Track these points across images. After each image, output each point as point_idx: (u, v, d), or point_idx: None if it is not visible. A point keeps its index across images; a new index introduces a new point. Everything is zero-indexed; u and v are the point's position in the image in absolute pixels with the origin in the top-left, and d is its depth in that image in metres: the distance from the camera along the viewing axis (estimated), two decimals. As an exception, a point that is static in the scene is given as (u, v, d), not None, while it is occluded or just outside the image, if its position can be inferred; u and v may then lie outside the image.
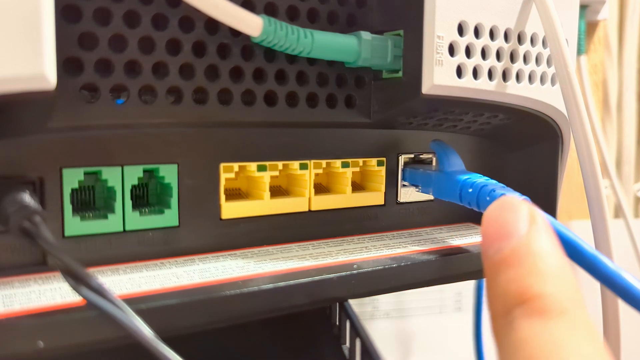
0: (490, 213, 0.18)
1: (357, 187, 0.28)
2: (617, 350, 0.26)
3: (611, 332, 0.26)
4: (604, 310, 0.26)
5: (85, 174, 0.20)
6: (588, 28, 0.61)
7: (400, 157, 0.28)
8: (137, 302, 0.18)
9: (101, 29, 0.19)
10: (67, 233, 0.20)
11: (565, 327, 0.15)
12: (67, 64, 0.19)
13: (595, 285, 0.21)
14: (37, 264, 0.20)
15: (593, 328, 0.15)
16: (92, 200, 0.22)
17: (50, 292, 0.18)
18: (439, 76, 0.23)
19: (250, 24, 0.21)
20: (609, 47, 0.64)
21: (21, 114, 0.18)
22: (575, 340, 0.14)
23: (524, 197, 0.22)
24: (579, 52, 0.59)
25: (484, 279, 0.17)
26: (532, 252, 0.16)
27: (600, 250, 0.24)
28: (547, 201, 0.29)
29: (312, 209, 0.26)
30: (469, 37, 0.24)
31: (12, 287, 0.19)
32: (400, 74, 0.24)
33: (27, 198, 0.18)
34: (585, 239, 0.20)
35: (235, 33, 0.22)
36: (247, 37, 0.22)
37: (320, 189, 0.27)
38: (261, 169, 0.24)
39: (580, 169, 0.25)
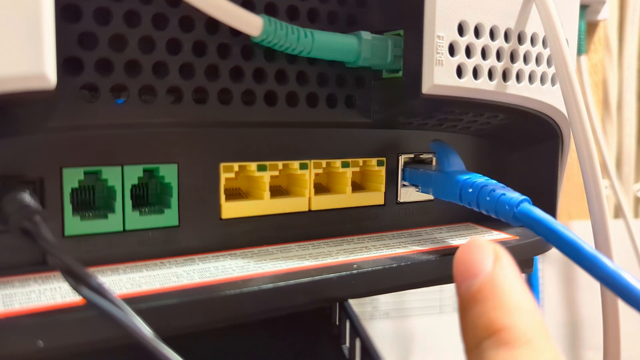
0: (459, 254, 0.19)
1: (357, 187, 0.28)
2: (617, 350, 0.26)
3: (611, 332, 0.26)
4: (604, 310, 0.26)
5: (86, 173, 0.20)
6: (588, 28, 0.61)
7: (400, 157, 0.28)
8: (137, 302, 0.18)
9: (101, 29, 0.19)
10: (67, 233, 0.20)
11: (531, 355, 0.16)
12: (67, 64, 0.19)
13: (595, 285, 0.21)
14: (37, 263, 0.20)
15: (557, 354, 0.17)
16: (92, 199, 0.22)
17: (50, 292, 0.18)
18: (439, 76, 0.23)
19: (251, 23, 0.21)
20: (609, 47, 0.64)
21: (21, 113, 0.18)
22: None
23: (524, 197, 0.22)
24: (579, 52, 0.59)
25: (458, 317, 0.19)
26: (497, 288, 0.18)
27: (600, 251, 0.24)
28: (547, 201, 0.29)
29: (312, 208, 0.26)
30: (469, 37, 0.24)
31: (12, 287, 0.19)
32: (400, 73, 0.24)
33: (27, 198, 0.18)
34: (585, 239, 0.20)
35: (236, 33, 0.22)
36: (247, 37, 0.22)
37: (320, 188, 0.27)
38: (261, 168, 0.24)
39: (580, 169, 0.25)
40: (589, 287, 0.63)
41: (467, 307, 0.18)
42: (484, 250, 0.19)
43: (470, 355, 0.17)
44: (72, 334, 0.17)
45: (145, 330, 0.15)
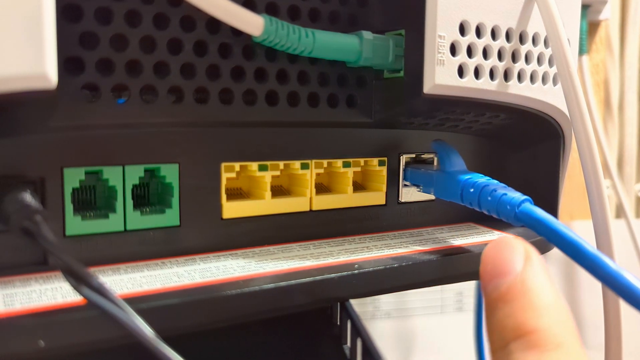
0: (488, 252, 0.19)
1: (358, 187, 0.28)
2: (619, 350, 0.26)
3: (613, 332, 0.26)
4: (605, 310, 0.26)
5: (87, 173, 0.20)
6: (590, 28, 0.61)
7: (401, 157, 0.28)
8: (138, 302, 0.18)
9: (102, 29, 0.19)
10: (68, 232, 0.20)
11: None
12: (68, 64, 0.19)
13: (596, 285, 0.21)
14: (38, 263, 0.20)
15: (585, 357, 0.16)
16: (93, 199, 0.22)
17: (51, 292, 0.18)
18: (441, 76, 0.23)
19: (252, 23, 0.21)
20: (610, 47, 0.64)
21: (22, 113, 0.18)
22: None
23: (525, 197, 0.22)
24: (581, 52, 0.59)
25: (484, 315, 0.18)
26: (527, 289, 0.17)
27: (601, 250, 0.24)
28: (548, 201, 0.29)
29: (314, 208, 0.26)
30: (471, 36, 0.24)
31: (13, 287, 0.19)
32: (401, 73, 0.24)
33: (28, 197, 0.18)
34: (586, 239, 0.20)
35: (237, 32, 0.22)
36: (248, 37, 0.22)
37: (322, 188, 0.27)
38: (262, 168, 0.24)
39: (582, 169, 0.25)
40: (591, 287, 0.63)
41: (495, 306, 0.18)
42: (515, 249, 0.18)
43: (496, 356, 0.17)
44: (73, 334, 0.17)
45: (146, 330, 0.15)
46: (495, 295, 0.18)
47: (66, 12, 0.19)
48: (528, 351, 0.16)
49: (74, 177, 0.20)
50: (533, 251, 0.18)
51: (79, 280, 0.16)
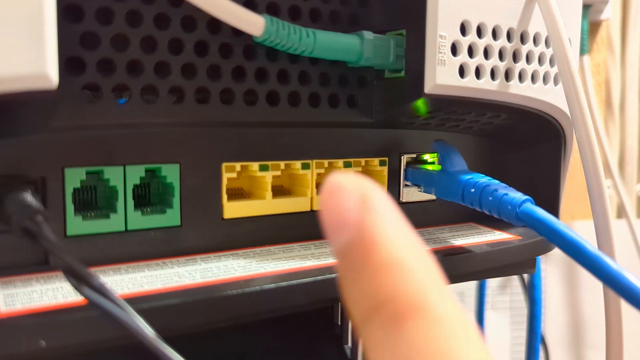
0: (322, 199, 0.15)
1: (359, 187, 0.28)
2: (620, 350, 0.26)
3: (614, 332, 0.26)
4: (606, 310, 0.26)
5: (88, 173, 0.20)
6: (591, 28, 0.61)
7: (402, 157, 0.28)
8: (138, 302, 0.18)
9: (103, 29, 0.19)
10: (69, 232, 0.20)
11: (423, 329, 0.12)
12: (69, 64, 0.19)
13: (597, 285, 0.21)
14: (39, 263, 0.20)
15: (459, 318, 0.13)
16: (94, 199, 0.22)
17: (52, 292, 0.18)
18: (442, 76, 0.23)
19: (253, 23, 0.21)
20: (611, 47, 0.64)
21: (24, 113, 0.18)
22: (440, 343, 0.12)
23: (526, 197, 0.22)
24: (582, 51, 0.59)
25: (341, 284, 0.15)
26: (370, 244, 0.13)
27: (602, 251, 0.24)
28: (549, 201, 0.29)
29: (315, 208, 0.26)
30: (472, 36, 0.24)
31: (14, 287, 0.19)
32: (402, 73, 0.24)
33: (29, 197, 0.18)
34: (587, 239, 0.20)
35: (238, 32, 0.22)
36: (249, 37, 0.22)
37: (323, 188, 0.27)
38: (263, 168, 0.24)
39: (583, 169, 0.25)
40: (592, 287, 0.63)
41: (344, 270, 0.14)
42: (348, 193, 0.14)
43: (360, 333, 0.14)
44: (74, 334, 0.17)
45: (147, 330, 0.15)
46: (339, 256, 0.14)
47: (67, 13, 0.19)
48: (388, 327, 0.13)
49: (75, 177, 0.20)
50: (371, 189, 0.14)
51: (79, 280, 0.16)
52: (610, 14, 0.60)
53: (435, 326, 0.12)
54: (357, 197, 0.14)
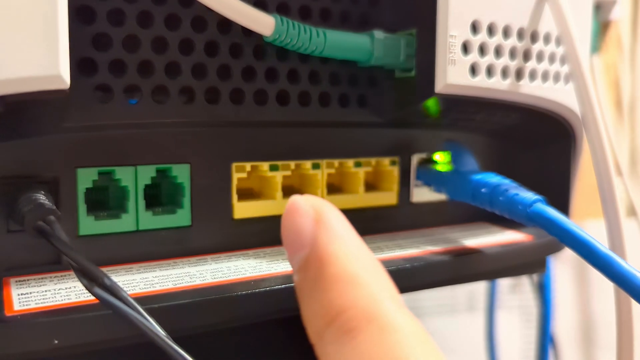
0: (282, 220, 0.16)
1: (370, 187, 0.28)
2: (631, 351, 0.26)
3: (625, 332, 0.25)
4: (617, 311, 0.26)
5: (99, 173, 0.21)
6: (601, 28, 0.61)
7: (413, 157, 0.28)
8: (149, 302, 0.18)
9: (115, 30, 0.20)
10: (82, 232, 0.21)
11: (376, 338, 0.13)
12: (81, 65, 0.19)
13: (609, 285, 0.21)
14: (52, 263, 0.20)
15: (410, 325, 0.13)
16: (105, 199, 0.22)
17: (65, 291, 0.18)
18: (452, 75, 0.23)
19: (263, 23, 0.21)
20: (621, 47, 0.64)
21: (36, 114, 0.18)
22: (394, 350, 0.12)
23: (537, 196, 0.22)
24: (593, 51, 0.58)
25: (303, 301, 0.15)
26: (324, 260, 0.14)
27: (613, 250, 0.24)
28: (560, 201, 0.29)
29: (324, 208, 0.25)
30: (482, 35, 0.23)
31: (28, 286, 0.19)
32: (413, 73, 0.24)
33: (42, 198, 0.18)
34: (598, 238, 0.20)
35: (248, 32, 0.22)
36: (259, 37, 0.22)
37: (333, 188, 0.27)
38: (273, 168, 0.24)
39: (594, 168, 0.25)
40: (603, 287, 0.62)
41: (301, 287, 0.15)
42: (303, 212, 0.15)
43: (316, 349, 0.14)
44: (86, 333, 0.17)
45: (158, 329, 0.15)
46: (295, 273, 0.15)
47: (79, 14, 0.19)
48: (341, 340, 0.13)
49: (87, 178, 0.20)
50: (325, 208, 0.15)
51: (91, 280, 0.16)
52: (620, 14, 0.60)
53: (388, 335, 0.13)
54: (311, 215, 0.15)
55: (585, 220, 0.61)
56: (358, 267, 0.14)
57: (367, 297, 0.13)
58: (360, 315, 0.13)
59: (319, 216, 0.15)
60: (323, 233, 0.15)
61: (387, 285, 0.14)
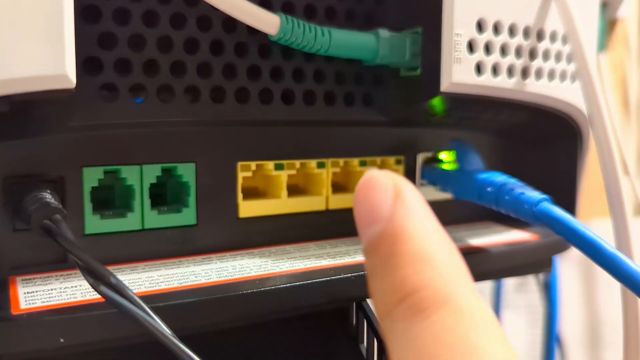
0: (356, 192, 0.15)
1: (374, 185, 0.28)
2: (638, 351, 0.26)
3: (631, 333, 0.25)
4: (624, 310, 0.25)
5: (105, 172, 0.21)
6: (608, 26, 0.60)
7: (418, 156, 0.28)
8: (155, 300, 0.18)
9: (120, 29, 0.20)
10: (87, 231, 0.21)
11: (449, 321, 0.13)
12: (87, 64, 0.19)
13: (615, 285, 0.21)
14: (58, 261, 0.20)
15: (483, 311, 0.13)
16: (111, 198, 0.22)
17: (71, 290, 0.19)
18: (458, 74, 0.23)
19: (268, 22, 0.21)
20: (628, 45, 0.63)
21: (42, 113, 0.18)
22: (464, 335, 0.12)
23: (543, 196, 0.22)
24: (599, 49, 0.58)
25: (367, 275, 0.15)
26: (400, 237, 0.14)
27: (620, 250, 0.24)
28: (566, 200, 0.29)
29: (330, 207, 0.26)
30: (488, 34, 0.23)
31: (34, 285, 0.19)
32: (418, 71, 0.24)
33: (48, 197, 0.18)
34: (605, 238, 0.20)
35: (253, 31, 0.22)
36: (264, 36, 0.22)
37: (338, 187, 0.27)
38: (278, 167, 0.24)
39: (600, 167, 0.24)
40: (609, 287, 0.62)
41: (371, 262, 0.15)
42: (382, 187, 0.15)
43: (383, 325, 0.14)
44: (92, 331, 0.17)
45: (163, 328, 0.15)
46: (369, 247, 0.15)
47: (85, 13, 0.19)
48: (412, 319, 0.13)
49: (92, 177, 0.20)
50: (404, 185, 0.15)
51: (97, 278, 0.16)
52: (627, 12, 0.59)
53: (460, 319, 0.13)
54: (390, 191, 0.15)
55: (592, 220, 0.60)
56: (435, 247, 0.14)
57: (442, 279, 0.13)
58: (435, 296, 0.13)
59: (398, 192, 0.15)
60: (401, 209, 0.14)
61: (462, 269, 0.14)
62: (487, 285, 0.55)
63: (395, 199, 0.15)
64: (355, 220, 0.15)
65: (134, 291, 0.17)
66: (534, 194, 0.22)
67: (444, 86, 0.23)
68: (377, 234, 0.14)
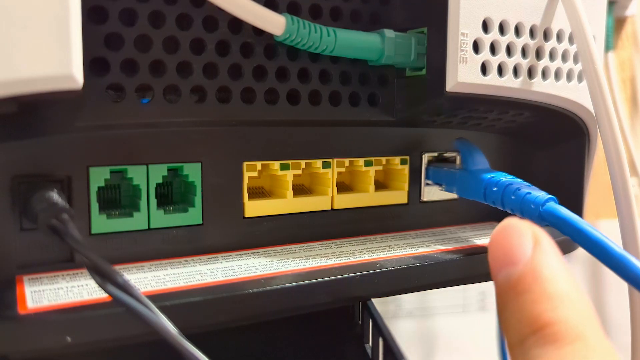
0: (495, 238, 0.17)
1: (380, 185, 0.28)
2: (646, 352, 0.26)
3: (639, 333, 0.25)
4: (631, 311, 0.25)
5: (112, 172, 0.21)
6: (616, 24, 0.60)
7: (423, 156, 0.28)
8: (161, 299, 0.18)
9: (127, 30, 0.20)
10: (94, 231, 0.21)
11: (581, 354, 0.14)
12: (93, 64, 0.19)
13: (623, 285, 0.21)
14: (65, 260, 0.20)
15: (611, 351, 0.15)
16: (118, 198, 0.22)
17: (78, 289, 0.19)
18: (463, 74, 0.23)
19: (273, 22, 0.21)
20: (637, 43, 0.63)
21: (50, 113, 0.18)
22: None
23: (549, 196, 0.22)
24: (607, 48, 0.58)
25: (497, 306, 0.17)
26: (539, 277, 0.16)
27: (628, 250, 0.24)
28: (573, 200, 0.29)
29: (335, 207, 0.26)
30: (494, 34, 0.23)
31: (41, 284, 0.19)
32: (423, 71, 0.24)
33: (55, 196, 0.18)
34: (612, 238, 0.20)
35: (259, 32, 0.22)
36: (270, 36, 0.22)
37: (343, 187, 0.27)
38: (284, 167, 0.24)
39: (608, 167, 0.24)
40: (617, 288, 0.62)
41: (507, 298, 0.16)
42: (522, 233, 0.17)
43: (514, 353, 0.16)
44: (99, 330, 0.17)
45: (170, 327, 0.15)
46: (506, 286, 0.17)
47: (92, 14, 0.19)
48: (546, 347, 0.15)
49: (99, 176, 0.21)
50: (542, 234, 0.17)
51: (104, 277, 0.16)
52: (635, 9, 0.59)
53: (590, 355, 0.14)
54: (529, 237, 0.17)
55: (599, 220, 0.60)
56: (570, 288, 0.16)
57: (577, 317, 0.15)
58: (570, 331, 0.15)
59: (537, 239, 0.17)
60: (540, 254, 0.16)
61: (592, 311, 0.16)
62: (492, 284, 0.55)
63: (535, 245, 0.17)
64: (489, 260, 0.17)
65: (141, 290, 0.17)
66: (540, 194, 0.22)
67: (450, 86, 0.23)
68: (516, 273, 0.16)
